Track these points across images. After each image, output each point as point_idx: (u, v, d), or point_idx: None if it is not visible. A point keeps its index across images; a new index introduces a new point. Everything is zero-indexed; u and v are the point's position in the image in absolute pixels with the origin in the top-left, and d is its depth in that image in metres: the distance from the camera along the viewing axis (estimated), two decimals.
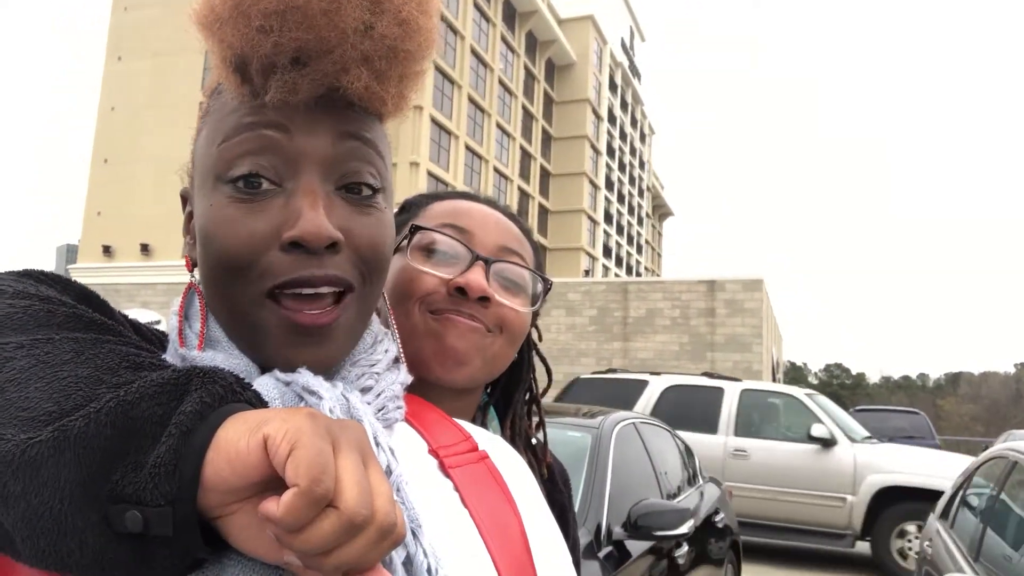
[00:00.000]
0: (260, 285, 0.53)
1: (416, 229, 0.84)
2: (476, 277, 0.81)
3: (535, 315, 0.93)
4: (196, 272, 0.61)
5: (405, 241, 0.84)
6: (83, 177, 34.92)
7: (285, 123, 0.54)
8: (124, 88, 33.18)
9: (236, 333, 0.56)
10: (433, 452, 0.62)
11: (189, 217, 0.63)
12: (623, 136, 57.86)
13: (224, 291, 0.55)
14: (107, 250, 32.69)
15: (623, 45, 57.39)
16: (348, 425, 0.43)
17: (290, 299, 0.54)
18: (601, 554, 2.71)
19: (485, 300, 0.82)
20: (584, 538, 2.68)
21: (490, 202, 0.93)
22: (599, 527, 2.79)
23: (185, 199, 0.64)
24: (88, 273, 32.22)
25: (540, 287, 0.91)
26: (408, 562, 0.48)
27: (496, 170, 39.14)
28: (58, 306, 0.51)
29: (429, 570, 0.48)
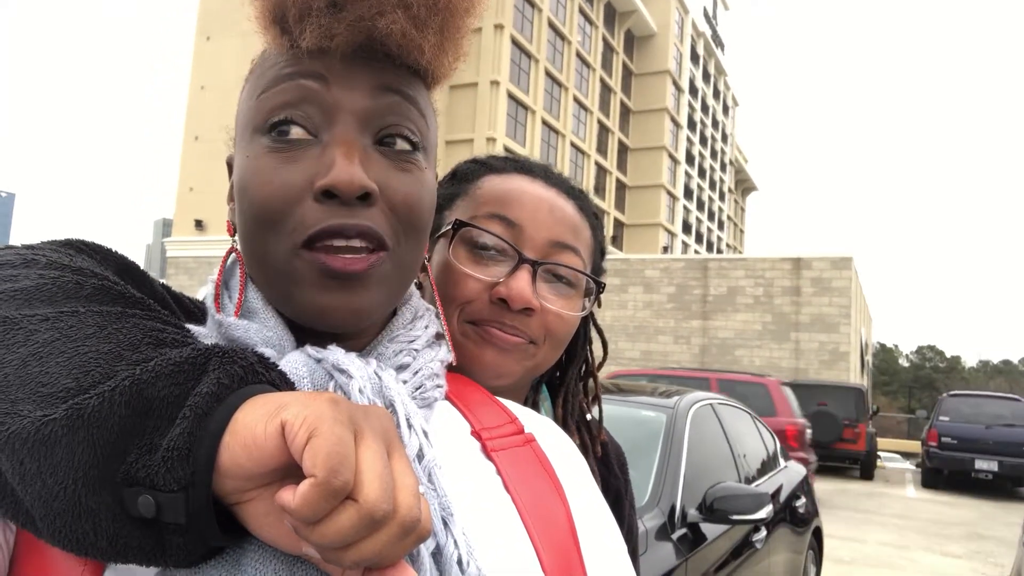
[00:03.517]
0: (294, 237, 0.52)
1: (460, 225, 0.80)
2: (520, 286, 0.77)
3: (597, 286, 0.88)
4: (237, 237, 0.59)
5: (449, 232, 0.80)
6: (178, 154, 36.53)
7: (323, 73, 0.53)
8: (213, 67, 34.44)
9: (270, 287, 0.55)
10: (475, 434, 0.59)
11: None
12: (705, 108, 56.28)
13: (259, 245, 0.54)
14: (199, 224, 34.23)
15: (705, 14, 55.62)
16: (373, 411, 0.42)
17: (322, 251, 0.52)
18: (675, 536, 2.65)
19: (529, 310, 0.78)
20: (657, 520, 2.62)
21: (546, 174, 0.87)
22: (673, 509, 2.73)
23: (231, 167, 0.62)
24: (182, 246, 33.84)
25: (593, 283, 0.86)
26: (438, 552, 0.46)
27: (573, 145, 38.77)
28: (88, 278, 0.49)
29: (460, 561, 0.46)
